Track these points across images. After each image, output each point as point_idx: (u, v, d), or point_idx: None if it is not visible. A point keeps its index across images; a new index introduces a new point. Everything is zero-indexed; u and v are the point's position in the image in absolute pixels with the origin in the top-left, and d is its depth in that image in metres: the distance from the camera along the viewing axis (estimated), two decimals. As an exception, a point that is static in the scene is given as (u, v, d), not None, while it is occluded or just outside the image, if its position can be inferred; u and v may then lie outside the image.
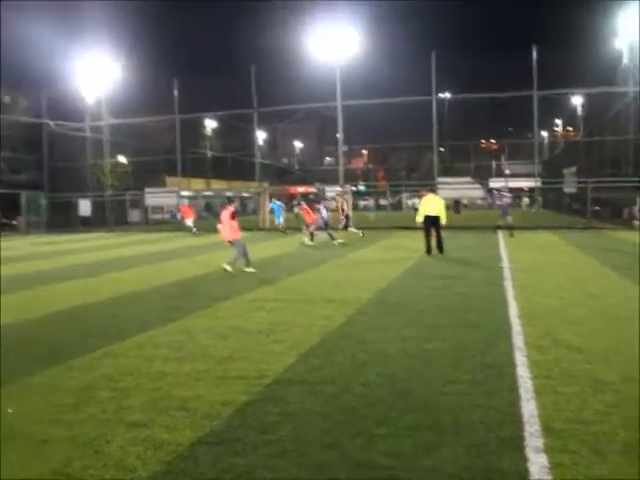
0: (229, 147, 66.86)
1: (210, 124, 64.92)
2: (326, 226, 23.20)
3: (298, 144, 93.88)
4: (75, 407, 5.31)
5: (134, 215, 47.06)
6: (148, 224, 44.56)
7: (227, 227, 14.70)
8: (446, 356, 6.69)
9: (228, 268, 14.39)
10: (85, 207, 41.65)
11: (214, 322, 8.85)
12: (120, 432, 4.71)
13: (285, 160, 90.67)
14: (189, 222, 32.92)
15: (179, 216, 36.37)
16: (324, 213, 23.19)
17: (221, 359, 6.78)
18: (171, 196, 40.92)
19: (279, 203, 31.51)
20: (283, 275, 14.01)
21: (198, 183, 58.96)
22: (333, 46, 35.41)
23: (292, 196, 50.39)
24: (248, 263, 14.81)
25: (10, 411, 5.25)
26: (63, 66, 42.69)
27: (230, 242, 14.95)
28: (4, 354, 7.29)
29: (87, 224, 41.09)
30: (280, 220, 30.55)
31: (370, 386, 5.69)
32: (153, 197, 42.00)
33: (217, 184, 63.45)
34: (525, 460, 4.05)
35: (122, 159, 49.02)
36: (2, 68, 41.02)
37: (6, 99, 45.94)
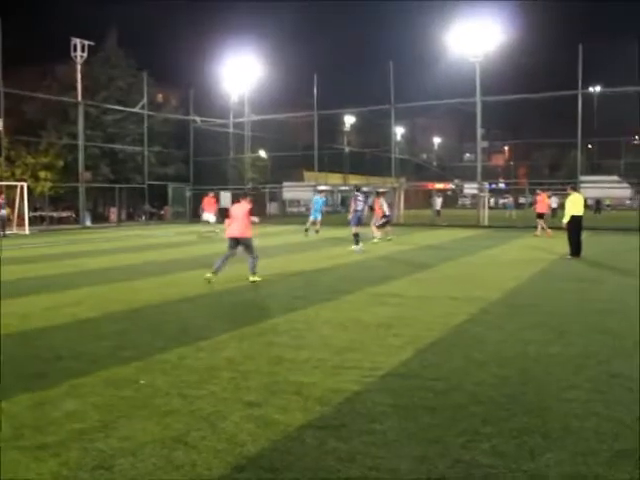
0: (367, 143, 67.30)
1: (348, 120, 65.62)
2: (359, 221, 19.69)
3: (437, 140, 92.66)
4: (198, 384, 5.71)
5: (272, 208, 48.67)
6: (285, 216, 45.90)
7: (241, 223, 12.39)
8: (569, 362, 6.46)
9: (256, 278, 12.33)
10: (226, 199, 43.63)
11: (336, 314, 9.08)
12: (236, 410, 5.03)
13: (424, 156, 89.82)
14: (207, 217, 29.25)
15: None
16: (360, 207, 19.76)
17: (339, 349, 6.97)
18: (308, 190, 41.90)
19: (323, 198, 28.30)
20: (408, 271, 14.01)
21: (335, 178, 59.89)
22: (473, 40, 34.66)
23: (429, 192, 49.95)
24: (216, 270, 12.34)
25: (142, 382, 5.75)
26: (210, 66, 44.99)
27: (237, 240, 12.45)
28: (146, 331, 7.94)
29: (228, 216, 43.06)
30: (317, 217, 26.84)
31: (482, 386, 5.64)
32: (290, 191, 43.23)
33: (354, 179, 64.14)
34: (638, 476, 3.88)
35: (262, 154, 50.80)
36: (155, 68, 43.83)
37: (159, 97, 49.07)
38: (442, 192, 54.54)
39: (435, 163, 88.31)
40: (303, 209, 52.24)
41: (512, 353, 6.79)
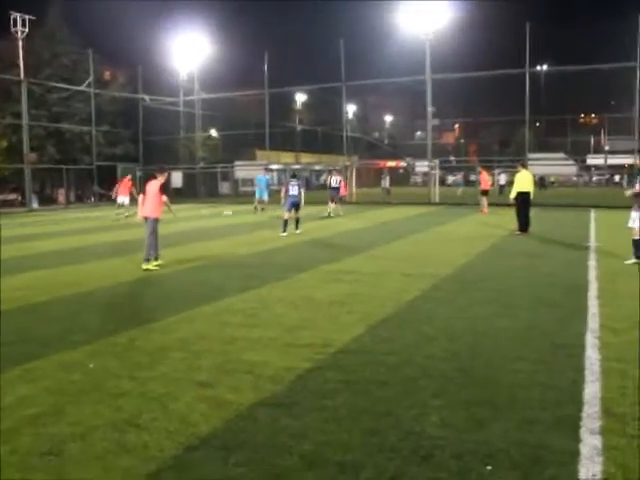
0: (319, 121, 67.12)
1: (300, 98, 65.31)
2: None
3: (388, 118, 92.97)
4: (149, 366, 5.68)
5: (224, 187, 48.28)
6: (238, 196, 45.59)
7: (151, 201, 11.69)
8: (516, 335, 6.64)
9: (149, 267, 11.43)
10: (177, 179, 43.04)
11: (289, 292, 9.11)
12: (188, 390, 5.02)
13: (375, 134, 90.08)
14: (121, 199, 27.19)
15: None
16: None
17: (291, 327, 7.01)
18: (260, 169, 41.70)
19: (267, 177, 29.25)
20: (361, 249, 14.11)
21: (287, 157, 59.70)
22: (423, 18, 34.78)
23: (381, 170, 50.23)
24: (156, 255, 11.72)
25: (92, 366, 5.68)
26: (158, 43, 44.11)
27: (145, 219, 11.75)
28: (97, 313, 7.82)
29: (179, 195, 42.54)
30: (263, 196, 27.86)
31: (433, 359, 5.75)
32: (243, 170, 42.91)
33: (306, 158, 64.03)
34: (578, 440, 4.03)
35: (213, 133, 50.20)
36: (102, 44, 42.74)
37: (106, 75, 47.90)
38: (393, 170, 54.95)
39: (387, 141, 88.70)
40: (256, 188, 52.16)
41: (462, 327, 6.94)
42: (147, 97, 43.89)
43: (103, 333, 6.86)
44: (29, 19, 36.37)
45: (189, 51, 43.12)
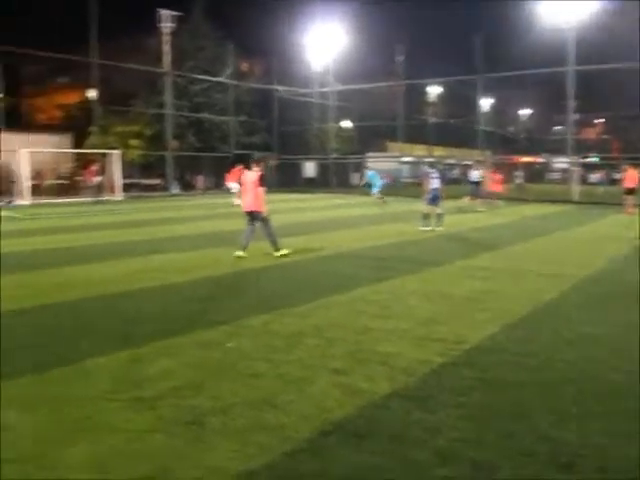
0: (452, 114, 65.79)
1: (434, 90, 64.28)
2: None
3: (525, 111, 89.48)
4: (285, 350, 5.81)
5: (356, 178, 48.60)
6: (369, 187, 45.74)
7: (250, 195, 11.48)
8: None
9: (284, 252, 11.58)
10: (310, 169, 43.86)
11: (422, 285, 9.02)
12: (322, 376, 5.09)
13: (511, 128, 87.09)
14: (232, 185, 25.96)
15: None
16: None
17: (424, 320, 6.93)
18: (392, 161, 41.53)
19: (373, 172, 29.04)
20: (496, 245, 13.71)
21: (420, 149, 59.07)
22: (566, 8, 33.08)
23: (515, 166, 48.54)
24: (244, 247, 11.51)
25: (230, 345, 5.90)
26: (293, 35, 44.99)
27: (250, 214, 11.63)
28: (230, 297, 8.14)
29: (311, 185, 43.33)
30: (373, 190, 27.91)
31: (573, 365, 5.46)
32: (374, 161, 42.98)
33: (439, 151, 63.01)
34: None
35: (346, 124, 50.61)
36: (240, 37, 44.18)
37: (243, 67, 49.57)
38: (528, 166, 52.87)
39: (522, 136, 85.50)
40: (387, 180, 52.00)
41: (603, 334, 6.54)
42: (281, 88, 44.97)
43: (239, 315, 7.11)
44: (175, 15, 38.34)
45: (324, 43, 43.65)
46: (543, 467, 3.64)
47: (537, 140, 78.42)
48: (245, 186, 11.57)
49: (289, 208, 25.84)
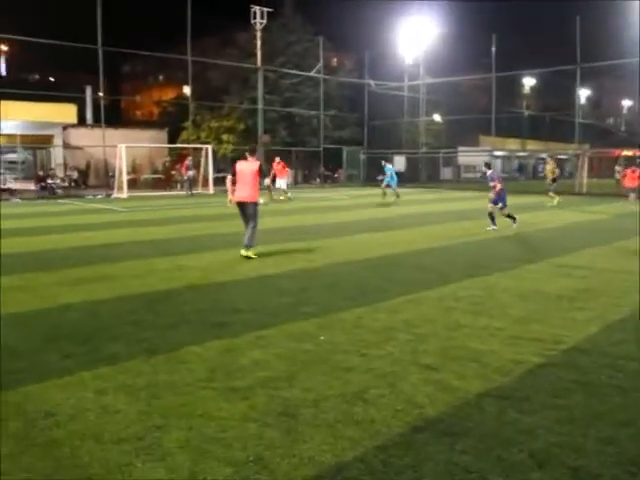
0: (548, 106, 63.62)
1: (528, 82, 62.34)
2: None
3: (626, 103, 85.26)
4: (376, 344, 5.80)
5: (446, 173, 47.88)
6: (459, 182, 45.00)
7: (249, 186, 10.82)
8: None
9: (249, 254, 10.83)
10: (399, 163, 43.52)
11: (516, 283, 8.77)
12: (413, 372, 5.04)
13: (610, 120, 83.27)
14: (280, 183, 27.52)
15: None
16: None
17: (518, 319, 6.74)
18: (484, 155, 40.61)
19: (390, 167, 27.21)
20: (594, 243, 13.15)
21: (512, 143, 57.52)
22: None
23: (615, 159, 46.43)
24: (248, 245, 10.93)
25: (322, 338, 5.94)
26: (384, 28, 44.71)
27: (241, 204, 10.96)
28: (323, 289, 8.19)
29: (400, 179, 42.99)
30: (391, 184, 26.49)
31: (681, 369, 5.18)
32: (466, 156, 42.17)
33: (532, 145, 61.13)
34: None
35: (437, 117, 49.90)
36: (330, 31, 44.31)
37: (333, 61, 49.71)
38: (630, 160, 50.36)
39: (623, 128, 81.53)
40: (478, 174, 50.91)
41: None
42: (372, 82, 44.82)
43: (331, 308, 7.15)
44: (267, 11, 38.90)
45: (415, 36, 43.16)
46: (649, 477, 3.46)
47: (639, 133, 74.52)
48: (242, 177, 10.83)
49: (377, 203, 25.73)
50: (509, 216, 15.34)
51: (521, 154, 52.70)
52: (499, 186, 14.79)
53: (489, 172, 15.35)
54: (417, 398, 4.50)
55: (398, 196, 26.73)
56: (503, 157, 50.11)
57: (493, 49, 38.97)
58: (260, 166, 10.91)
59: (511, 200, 21.76)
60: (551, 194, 24.02)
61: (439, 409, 4.32)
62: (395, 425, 4.07)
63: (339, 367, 5.16)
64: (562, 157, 56.36)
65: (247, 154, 11.19)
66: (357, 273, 9.60)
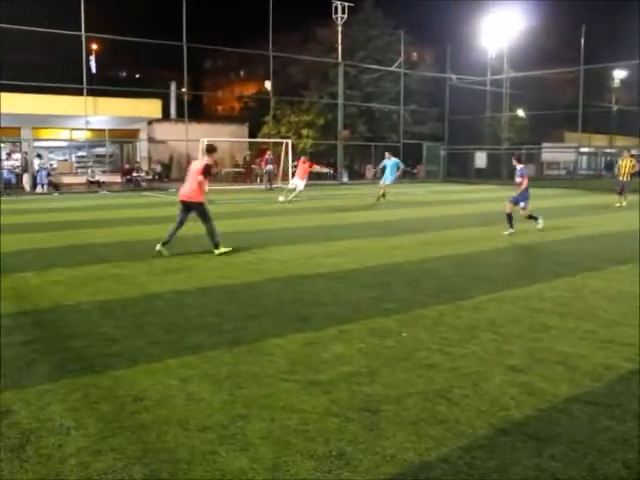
0: (638, 100, 60.72)
1: (618, 74, 59.70)
2: None
3: None
4: (459, 342, 5.69)
5: (529, 169, 46.62)
6: (542, 179, 43.69)
7: (190, 183, 10.42)
8: None
9: (222, 250, 10.56)
10: (481, 159, 42.68)
11: (606, 284, 8.42)
12: (498, 373, 4.91)
13: None
14: (296, 182, 22.88)
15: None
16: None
17: (608, 322, 6.47)
18: (568, 152, 39.31)
19: (394, 160, 23.36)
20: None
21: (600, 139, 55.34)
22: None
23: None
24: (167, 240, 10.48)
25: (404, 334, 5.89)
26: (467, 21, 43.86)
27: (185, 203, 10.48)
28: (405, 285, 8.12)
29: (481, 176, 42.17)
30: (386, 181, 23.19)
31: None
32: (550, 152, 40.91)
33: (621, 141, 58.60)
34: None
35: (520, 113, 48.58)
36: (410, 25, 43.79)
37: (413, 55, 49.16)
38: None
39: None
40: (563, 172, 49.28)
41: None
42: (454, 76, 44.10)
43: (413, 305, 7.08)
44: (347, 6, 38.85)
45: (499, 28, 42.13)
46: None
47: None
48: (189, 175, 10.55)
49: (457, 199, 25.32)
50: (530, 217, 13.96)
51: (608, 151, 50.55)
52: (526, 184, 13.55)
53: (519, 167, 13.80)
54: (502, 400, 4.38)
55: (384, 196, 23.28)
56: (589, 154, 48.27)
57: (582, 41, 37.57)
58: (205, 166, 10.34)
59: (589, 199, 20.93)
60: (622, 195, 21.62)
61: (525, 412, 4.19)
62: (480, 426, 3.97)
63: (421, 364, 5.08)
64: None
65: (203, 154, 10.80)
66: (438, 269, 9.44)
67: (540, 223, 14.05)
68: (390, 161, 23.16)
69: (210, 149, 10.89)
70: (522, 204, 13.71)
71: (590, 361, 5.21)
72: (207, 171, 10.30)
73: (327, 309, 6.87)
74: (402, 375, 4.84)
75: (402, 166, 24.08)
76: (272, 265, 9.61)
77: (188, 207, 10.46)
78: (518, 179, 13.72)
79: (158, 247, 10.43)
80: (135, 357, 5.23)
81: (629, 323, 6.44)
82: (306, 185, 22.86)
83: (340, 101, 39.15)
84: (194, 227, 11.19)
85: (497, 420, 4.06)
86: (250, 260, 10.08)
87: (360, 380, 4.73)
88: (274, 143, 35.77)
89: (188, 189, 10.42)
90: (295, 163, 24.60)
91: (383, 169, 23.47)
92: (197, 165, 10.58)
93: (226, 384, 4.65)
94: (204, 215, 10.47)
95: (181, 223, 10.58)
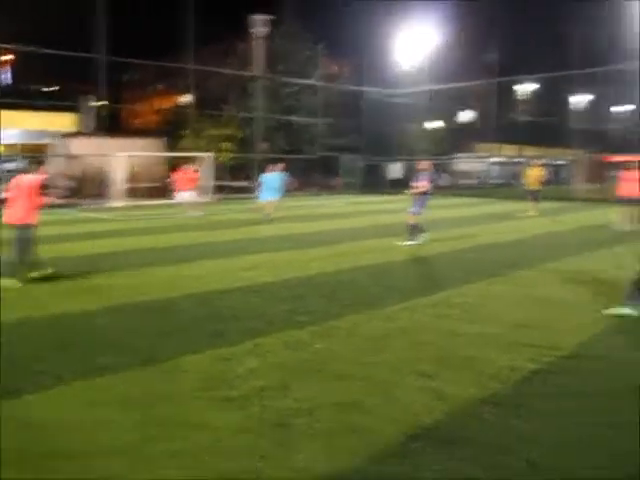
0: (546, 111, 63.52)
1: (525, 88, 62.33)
2: None
3: (621, 108, 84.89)
4: (372, 352, 5.78)
5: (444, 179, 47.87)
6: (457, 188, 45.00)
7: (21, 204, 9.00)
8: None
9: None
10: (395, 170, 43.53)
11: (508, 288, 8.78)
12: (409, 380, 5.02)
13: (609, 125, 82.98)
14: (181, 196, 21.45)
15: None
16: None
17: (513, 325, 6.73)
18: (481, 162, 40.69)
19: (275, 174, 19.75)
20: (586, 248, 13.14)
21: (510, 149, 57.53)
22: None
23: (608, 165, 46.39)
24: (33, 266, 9.23)
25: (318, 346, 5.92)
26: (383, 35, 44.84)
27: (16, 227, 9.04)
28: (319, 297, 8.17)
29: (398, 186, 42.92)
30: (268, 198, 19.40)
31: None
32: (463, 162, 42.21)
33: (530, 151, 61.13)
34: None
35: (435, 124, 49.90)
36: (329, 39, 44.38)
37: (332, 69, 49.81)
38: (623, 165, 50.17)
39: (623, 133, 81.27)
40: (476, 181, 50.86)
41: None
42: (371, 89, 44.86)
43: (327, 317, 7.12)
44: (266, 19, 38.99)
45: (415, 42, 43.30)
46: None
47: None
48: (15, 192, 9.05)
49: (366, 210, 25.69)
50: (414, 228, 13.56)
51: (517, 160, 52.50)
52: (423, 188, 13.32)
53: (422, 173, 13.66)
54: (414, 406, 4.48)
55: (268, 215, 19.43)
56: (501, 163, 50.09)
57: (493, 56, 39.05)
58: (40, 182, 9.11)
59: (496, 207, 21.61)
60: (532, 204, 22.07)
61: (436, 417, 4.30)
62: (391, 434, 4.04)
63: (334, 376, 5.14)
64: (559, 163, 56.43)
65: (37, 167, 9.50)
66: (352, 281, 9.55)
67: (421, 238, 13.52)
68: (272, 175, 19.82)
69: (39, 162, 9.96)
70: (413, 209, 13.57)
71: (496, 364, 5.40)
72: (42, 188, 9.11)
73: (242, 324, 6.83)
74: (316, 387, 4.87)
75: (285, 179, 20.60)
76: (188, 281, 9.46)
77: (21, 230, 9.01)
78: (418, 182, 13.69)
79: (34, 274, 9.24)
80: (39, 381, 5.02)
81: (531, 325, 6.71)
82: (225, 199, 22.63)
83: (257, 114, 39.18)
84: (104, 245, 10.89)
85: (408, 427, 4.14)
86: (166, 276, 9.89)
87: (274, 394, 4.72)
88: (192, 157, 35.34)
89: (18, 209, 8.99)
90: (183, 173, 21.79)
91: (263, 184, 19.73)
92: (26, 181, 9.11)
93: (138, 404, 4.54)
94: (24, 241, 9.00)
95: (28, 247, 9.12)
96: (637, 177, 15.82)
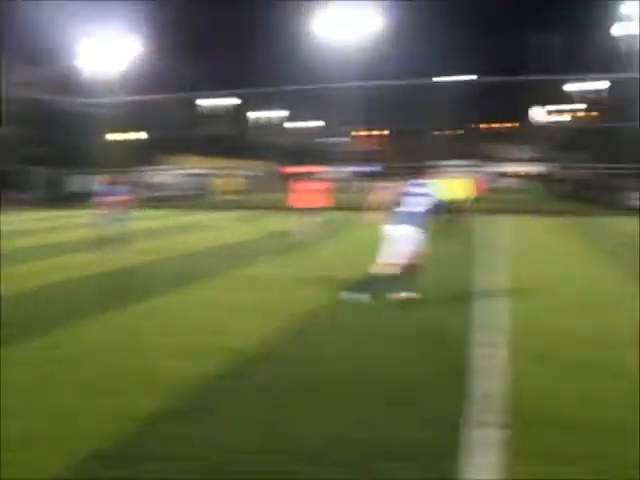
0: (232, 126, 66.10)
1: (217, 102, 64.48)
2: None
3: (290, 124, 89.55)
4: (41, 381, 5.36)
5: (138, 192, 46.99)
6: (151, 201, 44.52)
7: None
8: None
9: None
10: (80, 183, 41.51)
11: (182, 298, 8.92)
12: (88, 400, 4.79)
13: (284, 139, 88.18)
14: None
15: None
16: None
17: (208, 331, 6.80)
18: (173, 175, 40.47)
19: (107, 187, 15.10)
20: (273, 254, 13.93)
21: (202, 161, 58.69)
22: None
23: (288, 176, 49.66)
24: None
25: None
26: (65, 43, 42.67)
27: None
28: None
29: (82, 200, 40.87)
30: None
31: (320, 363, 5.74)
32: (158, 174, 41.65)
33: (220, 163, 62.98)
34: None
35: (132, 136, 48.77)
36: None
37: (18, 75, 45.66)
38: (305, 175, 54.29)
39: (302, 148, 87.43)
40: (170, 193, 50.81)
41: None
42: (59, 98, 42.19)
43: None
44: None
45: (108, 50, 41.93)
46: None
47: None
48: None
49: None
50: (102, 241, 13.54)
51: (203, 172, 53.64)
52: (112, 204, 13.62)
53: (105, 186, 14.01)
54: (97, 429, 4.27)
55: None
56: (193, 175, 50.76)
57: (186, 70, 39.52)
58: None
59: (188, 219, 21.28)
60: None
61: (113, 435, 4.14)
62: (55, 465, 3.75)
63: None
64: (248, 174, 59.07)
65: None
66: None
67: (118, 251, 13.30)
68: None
69: None
70: (104, 223, 13.78)
71: (175, 373, 5.41)
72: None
73: None
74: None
75: None
76: None
77: None
78: (107, 198, 13.63)
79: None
80: None
81: (217, 330, 6.91)
82: None
83: None
84: None
85: (82, 453, 3.90)
86: None
87: None
88: None
89: None
90: None
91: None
92: None
93: None
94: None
95: None
96: (307, 188, 16.57)
